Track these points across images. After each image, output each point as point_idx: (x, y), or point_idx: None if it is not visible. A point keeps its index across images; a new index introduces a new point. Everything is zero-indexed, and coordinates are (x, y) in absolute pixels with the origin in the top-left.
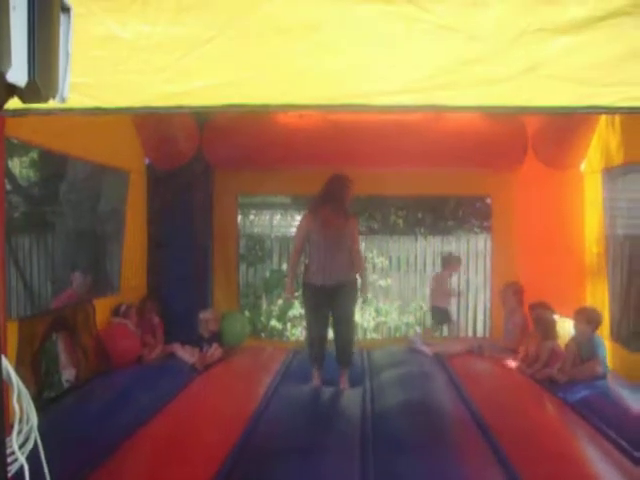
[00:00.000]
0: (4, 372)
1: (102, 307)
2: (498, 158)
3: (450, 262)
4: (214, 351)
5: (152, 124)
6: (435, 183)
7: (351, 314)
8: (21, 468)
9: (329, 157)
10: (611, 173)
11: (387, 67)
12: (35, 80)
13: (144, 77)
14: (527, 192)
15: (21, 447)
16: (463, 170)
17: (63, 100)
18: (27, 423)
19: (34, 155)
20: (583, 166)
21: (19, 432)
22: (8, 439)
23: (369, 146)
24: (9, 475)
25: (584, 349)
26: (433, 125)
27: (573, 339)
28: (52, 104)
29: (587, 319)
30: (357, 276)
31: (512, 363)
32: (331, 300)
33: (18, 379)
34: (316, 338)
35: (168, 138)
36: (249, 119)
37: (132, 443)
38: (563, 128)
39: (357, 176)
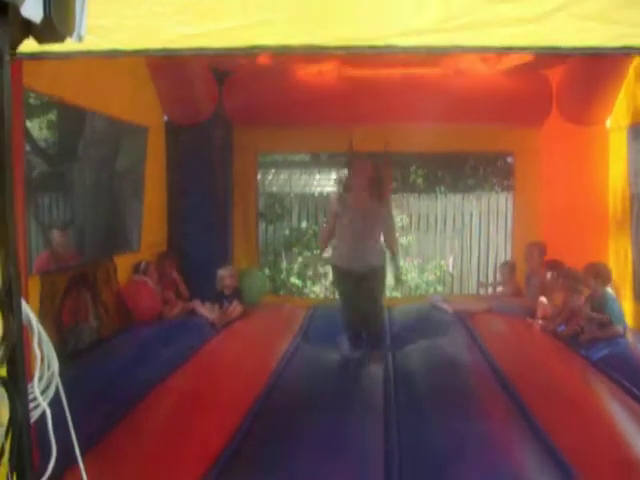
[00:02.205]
0: (24, 318)
1: (123, 264)
2: (521, 114)
3: None
4: (234, 308)
5: (170, 78)
6: (457, 140)
7: (379, 297)
8: (43, 414)
9: (349, 114)
10: (637, 130)
11: (412, 7)
12: (51, 16)
13: (162, 19)
14: (551, 149)
15: (43, 393)
16: (486, 126)
17: (80, 39)
18: (48, 369)
19: (52, 116)
20: (609, 122)
21: (40, 378)
22: (30, 385)
23: (389, 102)
24: (32, 420)
25: (596, 304)
26: (454, 80)
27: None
28: (69, 45)
29: (595, 273)
30: (389, 259)
31: (532, 320)
32: (359, 284)
33: (39, 324)
34: (351, 318)
35: (186, 93)
36: (269, 74)
37: (153, 397)
38: (588, 82)
39: (377, 133)
